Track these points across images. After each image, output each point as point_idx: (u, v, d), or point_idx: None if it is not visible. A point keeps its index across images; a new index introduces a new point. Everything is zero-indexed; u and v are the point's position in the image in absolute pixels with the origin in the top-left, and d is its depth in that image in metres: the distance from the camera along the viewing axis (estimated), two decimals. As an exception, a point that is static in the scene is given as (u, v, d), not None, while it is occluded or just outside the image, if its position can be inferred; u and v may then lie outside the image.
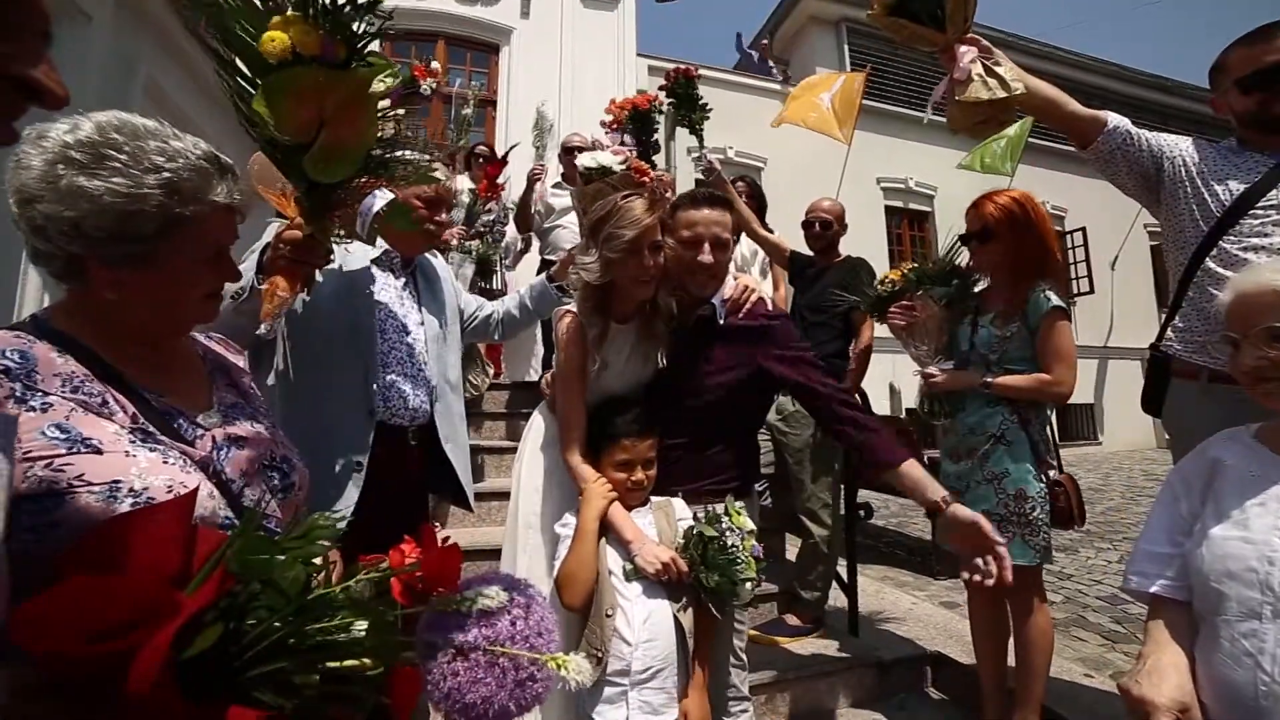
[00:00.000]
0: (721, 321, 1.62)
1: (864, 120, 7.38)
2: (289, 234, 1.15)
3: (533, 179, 4.07)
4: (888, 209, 9.91)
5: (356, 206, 1.22)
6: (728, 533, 1.36)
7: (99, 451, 0.66)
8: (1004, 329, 1.99)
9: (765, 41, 10.06)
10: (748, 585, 1.35)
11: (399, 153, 1.20)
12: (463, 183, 4.24)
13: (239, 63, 0.99)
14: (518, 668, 0.70)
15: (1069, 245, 10.46)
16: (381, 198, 1.39)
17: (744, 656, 1.67)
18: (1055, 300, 1.92)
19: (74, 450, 0.65)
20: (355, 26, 0.99)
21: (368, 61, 1.02)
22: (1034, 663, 1.91)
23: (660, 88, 3.58)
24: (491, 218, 4.32)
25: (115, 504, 0.65)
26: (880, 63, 10.52)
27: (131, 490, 0.66)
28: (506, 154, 4.53)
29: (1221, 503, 0.96)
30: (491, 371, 4.04)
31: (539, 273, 4.47)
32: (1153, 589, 1.02)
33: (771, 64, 9.96)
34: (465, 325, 1.85)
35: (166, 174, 0.74)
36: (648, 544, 1.39)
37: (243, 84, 1.00)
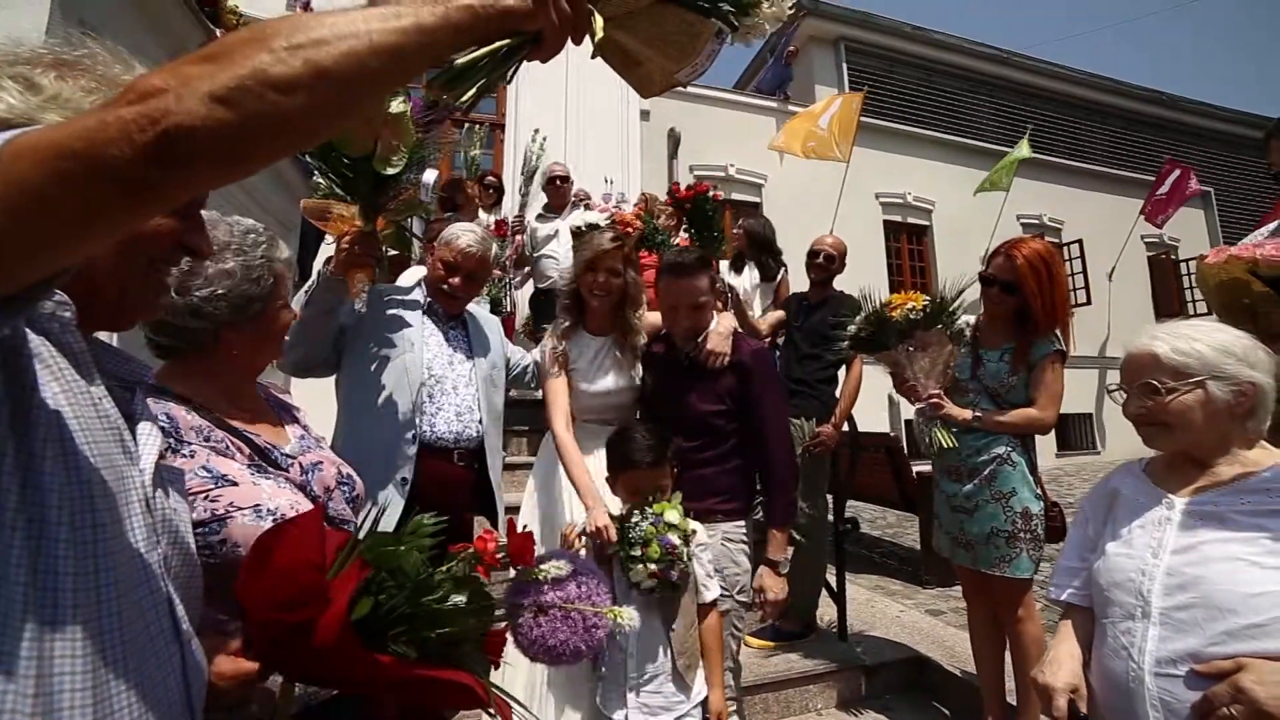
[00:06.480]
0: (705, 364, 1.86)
1: (862, 136, 7.57)
2: (352, 234, 1.63)
3: (513, 233, 4.68)
4: (886, 224, 10.06)
5: (400, 201, 1.74)
6: (648, 518, 1.55)
7: (235, 484, 0.87)
8: (1012, 375, 2.13)
9: (793, 49, 10.14)
10: (638, 567, 1.51)
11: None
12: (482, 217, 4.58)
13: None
14: (584, 619, 0.97)
15: (1066, 257, 10.48)
16: (432, 173, 1.89)
17: (739, 660, 1.88)
18: (1057, 345, 2.08)
19: (219, 485, 0.86)
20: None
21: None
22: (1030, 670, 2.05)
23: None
24: (506, 253, 4.73)
25: (261, 521, 0.86)
26: (878, 81, 10.73)
27: (269, 510, 0.87)
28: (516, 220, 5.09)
29: (1117, 525, 1.17)
30: None
31: (531, 300, 4.76)
32: (1063, 596, 1.24)
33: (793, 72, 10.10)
34: (510, 371, 2.10)
35: (264, 244, 1.02)
36: (599, 509, 1.64)
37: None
